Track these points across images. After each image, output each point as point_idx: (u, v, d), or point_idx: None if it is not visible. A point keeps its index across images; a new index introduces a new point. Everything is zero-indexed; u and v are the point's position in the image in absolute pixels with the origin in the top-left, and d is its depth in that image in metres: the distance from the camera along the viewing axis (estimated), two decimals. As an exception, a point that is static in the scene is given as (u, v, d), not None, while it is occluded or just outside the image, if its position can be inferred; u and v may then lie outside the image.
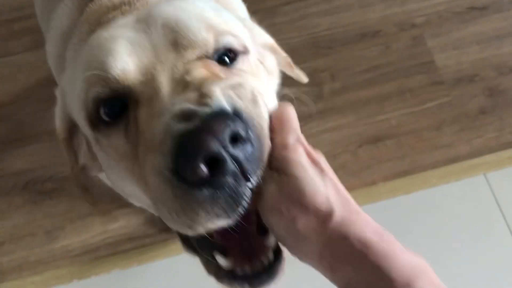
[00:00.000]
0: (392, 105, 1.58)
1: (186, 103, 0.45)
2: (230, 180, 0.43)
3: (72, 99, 0.58)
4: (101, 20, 0.71)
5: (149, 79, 0.49)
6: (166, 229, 1.44)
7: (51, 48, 0.92)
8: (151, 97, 0.48)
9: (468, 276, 1.35)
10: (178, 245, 1.45)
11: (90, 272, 1.41)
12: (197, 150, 0.41)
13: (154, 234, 1.45)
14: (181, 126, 0.42)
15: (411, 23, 1.69)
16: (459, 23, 1.68)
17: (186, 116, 0.43)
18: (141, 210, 1.48)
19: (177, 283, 1.39)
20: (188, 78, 0.48)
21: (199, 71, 0.49)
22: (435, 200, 1.45)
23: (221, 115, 0.43)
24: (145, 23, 0.53)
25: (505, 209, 1.42)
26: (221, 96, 0.45)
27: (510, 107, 1.55)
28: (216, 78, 0.49)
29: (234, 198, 0.43)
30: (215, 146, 0.41)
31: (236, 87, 0.48)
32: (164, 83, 0.48)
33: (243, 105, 0.47)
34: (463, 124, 1.54)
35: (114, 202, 1.50)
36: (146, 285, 1.40)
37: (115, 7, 0.71)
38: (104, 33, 0.56)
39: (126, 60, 0.50)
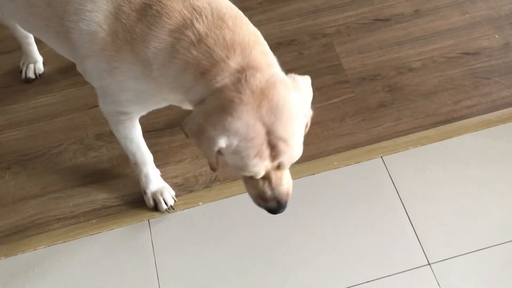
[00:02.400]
0: (302, 101, 1.75)
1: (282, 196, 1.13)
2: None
3: (232, 156, 1.04)
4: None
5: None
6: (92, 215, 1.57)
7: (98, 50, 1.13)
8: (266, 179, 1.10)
9: (365, 247, 1.48)
10: (101, 224, 1.57)
11: (17, 249, 1.52)
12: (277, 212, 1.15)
13: (79, 215, 1.57)
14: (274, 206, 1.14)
15: (322, 33, 1.90)
16: (364, 32, 1.89)
17: (282, 200, 1.13)
18: (71, 195, 1.61)
19: (97, 257, 1.50)
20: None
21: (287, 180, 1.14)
22: (337, 180, 1.59)
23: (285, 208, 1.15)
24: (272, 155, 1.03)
25: (399, 187, 1.56)
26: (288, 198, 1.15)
27: (407, 100, 1.73)
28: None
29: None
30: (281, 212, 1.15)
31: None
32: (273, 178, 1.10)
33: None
34: (364, 115, 1.71)
35: (48, 187, 1.63)
36: (69, 261, 1.50)
37: None
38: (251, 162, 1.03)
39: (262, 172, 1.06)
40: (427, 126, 1.68)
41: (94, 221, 1.56)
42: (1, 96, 1.83)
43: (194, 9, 1.05)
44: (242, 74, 1.01)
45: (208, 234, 1.52)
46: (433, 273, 1.43)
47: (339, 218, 1.53)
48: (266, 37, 1.90)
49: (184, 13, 1.05)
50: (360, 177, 1.59)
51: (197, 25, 1.04)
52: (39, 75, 1.86)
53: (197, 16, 1.05)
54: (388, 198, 1.55)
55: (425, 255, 1.45)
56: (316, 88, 1.77)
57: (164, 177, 1.60)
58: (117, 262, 1.49)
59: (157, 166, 1.61)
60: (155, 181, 1.56)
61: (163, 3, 1.05)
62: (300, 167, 1.61)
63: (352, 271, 1.44)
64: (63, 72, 1.88)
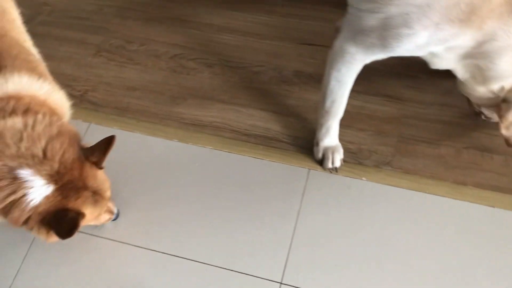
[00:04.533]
0: (516, 127, 1.56)
1: None
2: None
3: None
4: None
5: None
6: (262, 141, 1.61)
7: None
8: None
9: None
10: (266, 153, 1.60)
11: (189, 140, 1.63)
12: None
13: (251, 136, 1.62)
14: None
15: None
16: None
17: None
18: (251, 114, 1.66)
19: (250, 179, 1.55)
20: None
21: None
22: (515, 225, 1.42)
23: None
24: None
25: None
26: None
27: None
28: None
29: None
30: None
31: None
32: None
33: None
34: None
35: (235, 98, 1.70)
36: (226, 171, 1.56)
37: None
38: None
39: None
40: None
41: (261, 146, 1.60)
42: (231, 0, 1.93)
43: None
44: None
45: (358, 211, 1.48)
46: None
47: (499, 262, 1.37)
48: None
49: None
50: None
51: None
52: (270, -6, 1.91)
53: None
54: None
55: None
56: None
57: (340, 137, 1.57)
58: (265, 193, 1.52)
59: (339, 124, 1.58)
60: (332, 137, 1.54)
61: None
62: (482, 193, 1.47)
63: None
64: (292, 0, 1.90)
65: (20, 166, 1.00)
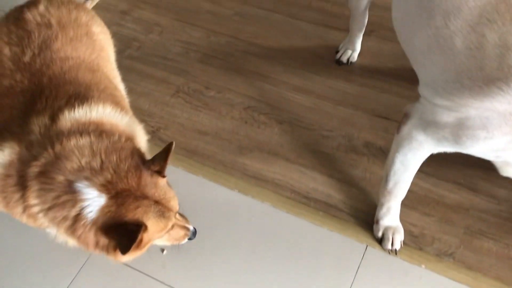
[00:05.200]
0: None
1: None
2: None
3: None
4: None
5: None
6: (322, 206, 1.58)
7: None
8: None
9: None
10: (325, 220, 1.56)
11: (249, 193, 1.62)
12: None
13: (311, 200, 1.60)
14: None
15: None
16: None
17: None
18: (315, 178, 1.64)
19: (302, 245, 1.51)
20: None
21: None
22: None
23: None
24: None
25: None
26: None
27: None
28: None
29: None
30: None
31: None
32: None
33: None
34: None
35: (301, 158, 1.69)
36: (281, 231, 1.53)
37: None
38: None
39: None
40: None
41: (321, 213, 1.57)
42: (311, 62, 1.95)
43: None
44: None
45: (413, 299, 1.40)
46: None
47: None
48: None
49: None
50: None
51: None
52: (350, 62, 1.93)
53: None
54: None
55: None
56: None
57: (404, 219, 1.52)
58: (317, 262, 1.47)
59: (403, 205, 1.53)
60: (392, 217, 1.49)
61: None
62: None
63: None
64: (372, 71, 1.90)
65: (78, 179, 1.02)
